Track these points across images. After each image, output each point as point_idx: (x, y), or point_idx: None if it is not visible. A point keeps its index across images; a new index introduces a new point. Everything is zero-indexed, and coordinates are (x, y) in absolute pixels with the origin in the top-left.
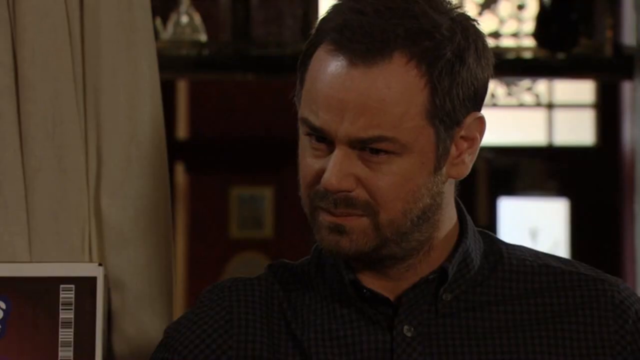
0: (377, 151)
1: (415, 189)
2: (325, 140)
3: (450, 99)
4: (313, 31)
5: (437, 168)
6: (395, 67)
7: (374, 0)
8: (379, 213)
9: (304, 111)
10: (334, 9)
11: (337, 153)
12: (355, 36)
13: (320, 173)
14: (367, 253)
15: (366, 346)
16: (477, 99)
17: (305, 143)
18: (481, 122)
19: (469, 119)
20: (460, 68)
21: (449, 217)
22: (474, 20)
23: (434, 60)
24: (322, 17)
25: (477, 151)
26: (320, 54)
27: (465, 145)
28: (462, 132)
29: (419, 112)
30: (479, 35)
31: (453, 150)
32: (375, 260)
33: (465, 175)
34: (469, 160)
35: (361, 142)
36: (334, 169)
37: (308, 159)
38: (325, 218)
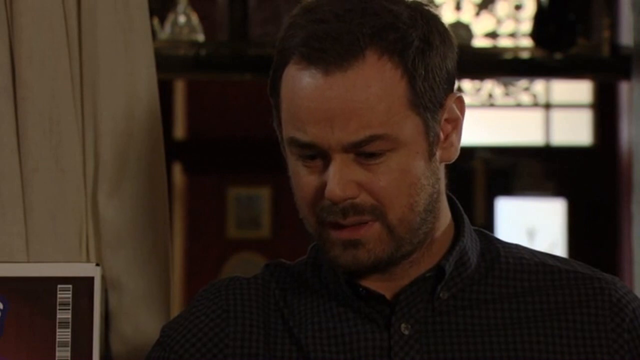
0: (371, 154)
1: (415, 180)
2: (317, 156)
3: (428, 84)
4: (275, 54)
5: (431, 155)
6: (369, 66)
7: (332, 7)
8: (387, 214)
9: (289, 131)
10: (293, 26)
11: (335, 162)
12: (324, 45)
13: (321, 189)
14: (384, 261)
15: (363, 344)
16: (450, 79)
17: (297, 165)
18: (460, 101)
19: (449, 101)
20: (430, 52)
21: (445, 206)
22: (428, 5)
23: (404, 50)
24: (281, 37)
25: (462, 131)
26: (291, 72)
27: (449, 127)
28: (445, 115)
29: (402, 104)
30: (436, 18)
31: (441, 135)
32: (389, 264)
33: (455, 157)
34: (457, 141)
35: (355, 145)
36: (335, 178)
37: (304, 179)
38: (337, 235)
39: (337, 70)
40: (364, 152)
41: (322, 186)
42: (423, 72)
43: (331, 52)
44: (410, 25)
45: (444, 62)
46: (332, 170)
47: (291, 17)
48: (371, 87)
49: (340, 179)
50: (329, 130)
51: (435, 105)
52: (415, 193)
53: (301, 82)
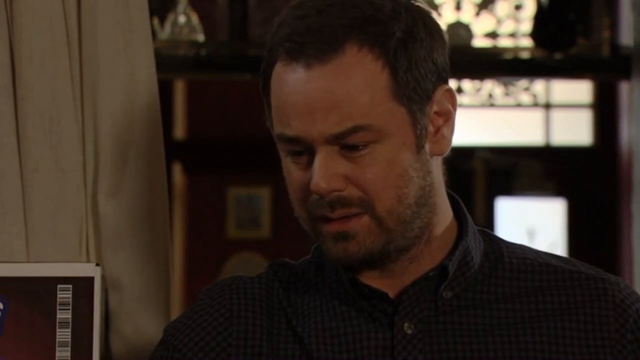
0: (355, 146)
1: (402, 172)
2: (304, 151)
3: (412, 75)
4: (266, 51)
5: (420, 146)
6: (349, 58)
7: (315, 3)
8: (375, 206)
9: (277, 128)
10: (281, 24)
11: (319, 155)
12: (305, 40)
13: (309, 184)
14: (375, 254)
15: (366, 343)
16: (439, 72)
17: (287, 162)
18: (450, 94)
19: (437, 93)
20: (413, 44)
21: (444, 202)
22: (417, 0)
23: (384, 42)
24: (271, 34)
25: (454, 124)
26: (277, 70)
27: (441, 120)
28: (435, 108)
29: (385, 95)
30: (424, 12)
31: (430, 127)
32: (383, 258)
33: (448, 151)
34: (449, 134)
35: (337, 137)
36: (320, 171)
37: (294, 175)
38: (327, 229)
39: (317, 63)
40: (347, 143)
41: (310, 181)
42: (406, 64)
43: (311, 46)
44: (392, 18)
45: (431, 55)
46: (317, 163)
47: (280, 16)
48: (352, 78)
49: (325, 171)
50: (312, 122)
51: (421, 97)
52: (403, 185)
53: (286, 79)
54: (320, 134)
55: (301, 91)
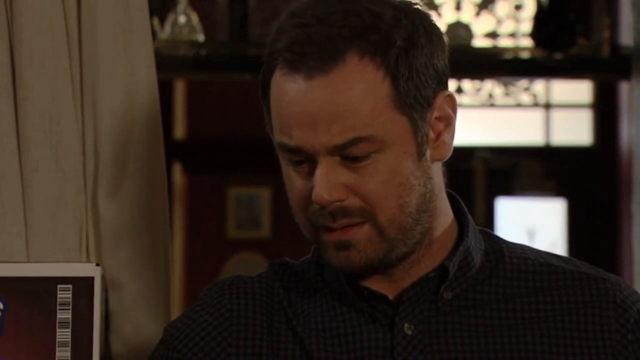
0: (357, 157)
1: (404, 181)
2: (305, 160)
3: (413, 83)
4: (264, 57)
5: (421, 154)
6: (351, 68)
7: (315, 11)
8: (377, 216)
9: (277, 137)
10: (279, 30)
11: (321, 166)
12: (305, 50)
13: (310, 193)
14: (377, 261)
15: (367, 344)
16: (440, 77)
17: (288, 170)
18: (451, 99)
19: (438, 99)
20: (414, 52)
21: (445, 204)
22: (416, 2)
23: (386, 51)
24: (269, 40)
25: (455, 129)
26: (277, 78)
27: (441, 125)
28: (436, 113)
29: (386, 104)
30: (424, 16)
31: (431, 134)
32: (384, 265)
33: (448, 156)
34: (449, 139)
35: (339, 148)
36: (321, 182)
37: (295, 183)
38: (329, 238)
39: (318, 74)
40: (348, 155)
41: (312, 190)
42: (407, 72)
43: (312, 56)
44: (393, 26)
45: (431, 61)
46: (318, 174)
47: (279, 21)
48: (353, 89)
49: (327, 182)
50: (313, 133)
51: (422, 104)
52: (405, 194)
53: (286, 88)
54: (321, 145)
55: (302, 102)
